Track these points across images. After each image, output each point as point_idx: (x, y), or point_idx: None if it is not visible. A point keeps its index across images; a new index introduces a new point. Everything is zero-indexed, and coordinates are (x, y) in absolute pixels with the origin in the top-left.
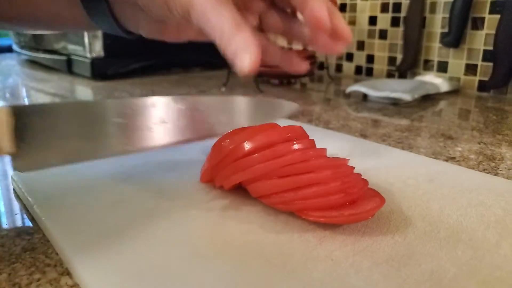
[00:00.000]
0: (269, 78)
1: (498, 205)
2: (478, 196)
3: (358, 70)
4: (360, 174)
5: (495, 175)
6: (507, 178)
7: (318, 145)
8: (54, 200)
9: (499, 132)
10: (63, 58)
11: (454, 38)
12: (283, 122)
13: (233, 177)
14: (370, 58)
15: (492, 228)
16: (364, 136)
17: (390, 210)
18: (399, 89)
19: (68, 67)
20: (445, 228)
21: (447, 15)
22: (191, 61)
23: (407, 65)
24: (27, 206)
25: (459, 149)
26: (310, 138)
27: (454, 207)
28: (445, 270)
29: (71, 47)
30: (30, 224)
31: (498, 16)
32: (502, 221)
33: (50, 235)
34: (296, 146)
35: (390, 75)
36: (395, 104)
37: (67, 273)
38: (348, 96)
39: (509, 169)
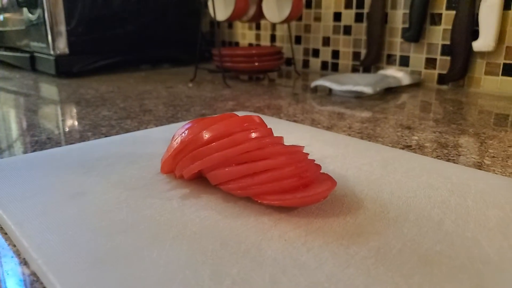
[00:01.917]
0: (238, 74)
1: (444, 187)
2: (427, 180)
3: (324, 65)
4: (313, 160)
5: (447, 160)
6: (457, 163)
7: (282, 136)
8: (12, 191)
9: (454, 122)
10: (26, 55)
11: (415, 33)
12: (246, 114)
13: (192, 166)
14: (336, 54)
15: (437, 208)
16: (326, 127)
17: (344, 194)
18: (362, 83)
19: (32, 64)
20: (394, 209)
21: (408, 11)
22: (160, 57)
23: (371, 59)
24: None
25: (416, 138)
26: (269, 127)
27: (404, 190)
28: (391, 246)
29: (34, 44)
30: None
31: (453, 12)
32: (447, 201)
33: (7, 227)
34: (253, 135)
35: (355, 70)
36: (358, 97)
37: (25, 262)
38: (315, 90)
39: (459, 155)
